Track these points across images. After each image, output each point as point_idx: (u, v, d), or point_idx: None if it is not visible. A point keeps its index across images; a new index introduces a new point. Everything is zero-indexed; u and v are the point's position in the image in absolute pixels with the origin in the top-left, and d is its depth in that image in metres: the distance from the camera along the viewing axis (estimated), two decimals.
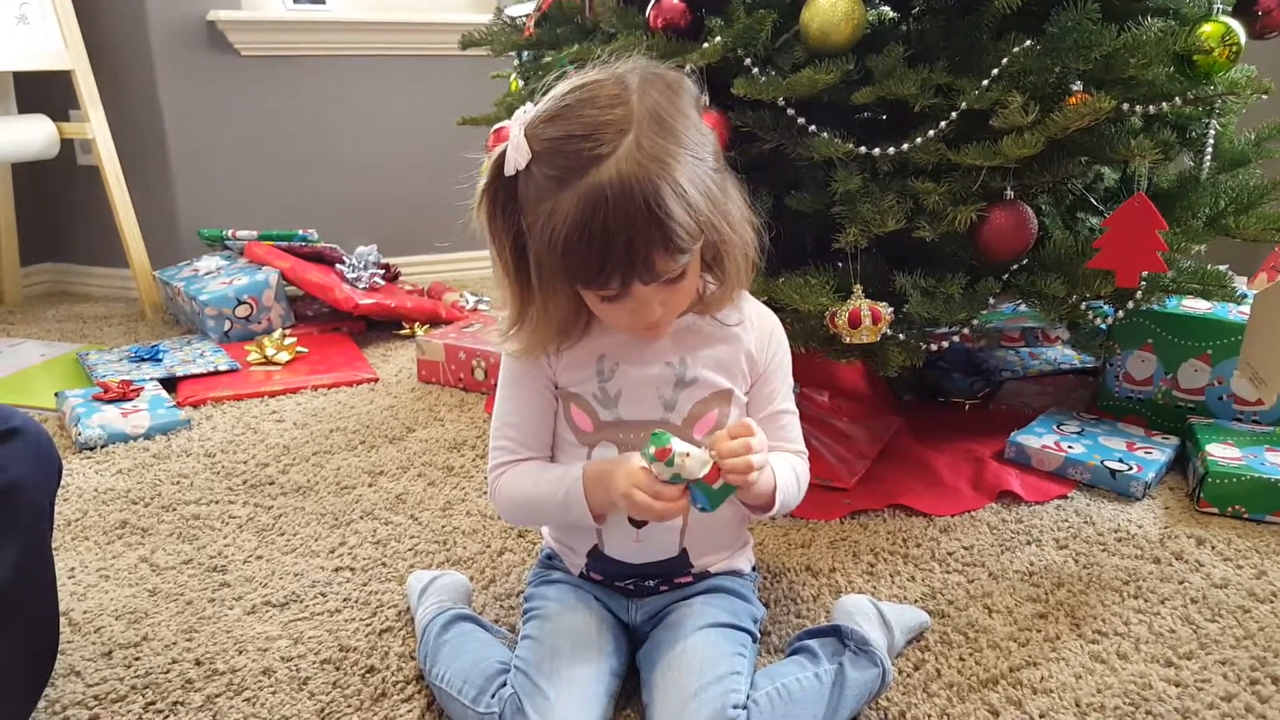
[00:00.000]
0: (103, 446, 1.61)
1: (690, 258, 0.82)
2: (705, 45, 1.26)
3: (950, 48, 1.28)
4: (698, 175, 0.80)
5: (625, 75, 0.82)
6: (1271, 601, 1.12)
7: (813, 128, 1.28)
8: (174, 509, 1.38)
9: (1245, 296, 1.46)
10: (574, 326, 0.91)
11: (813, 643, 0.93)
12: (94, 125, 2.33)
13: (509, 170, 0.81)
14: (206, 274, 2.30)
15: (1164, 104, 1.26)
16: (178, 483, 1.47)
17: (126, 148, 2.43)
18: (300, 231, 2.44)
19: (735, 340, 0.94)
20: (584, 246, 0.77)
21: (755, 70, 1.27)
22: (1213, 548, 1.25)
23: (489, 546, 1.26)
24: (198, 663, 1.02)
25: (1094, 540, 1.27)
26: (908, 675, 0.99)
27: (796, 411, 1.00)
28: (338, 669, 1.01)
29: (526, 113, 0.82)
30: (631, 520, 0.94)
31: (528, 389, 0.95)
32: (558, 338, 0.91)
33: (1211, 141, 1.43)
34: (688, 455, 0.81)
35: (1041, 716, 0.92)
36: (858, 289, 1.29)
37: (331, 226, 2.66)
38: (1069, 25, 1.22)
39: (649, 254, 0.78)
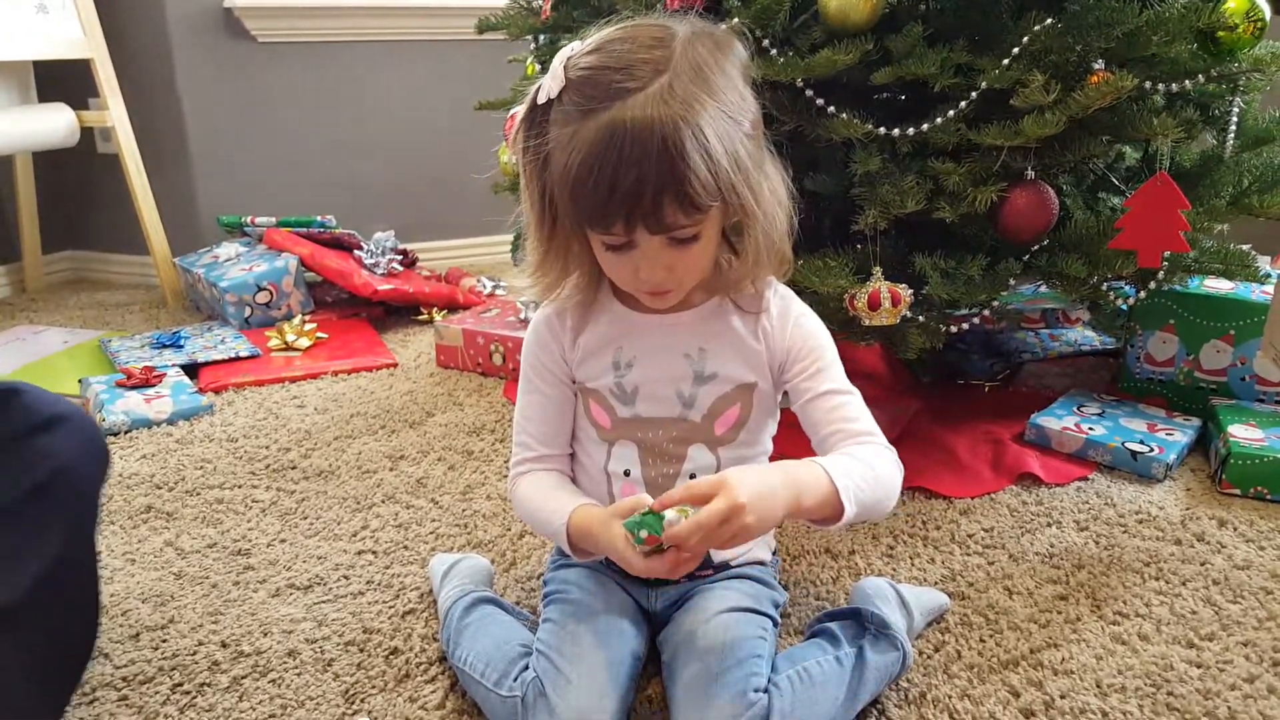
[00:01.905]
0: (126, 432, 1.63)
1: (705, 220, 0.80)
2: (722, 26, 1.25)
3: (970, 27, 1.26)
4: (727, 133, 0.78)
5: (674, 25, 0.81)
6: None
7: (831, 109, 1.28)
8: (198, 493, 1.40)
9: (1269, 276, 1.45)
10: (591, 284, 0.91)
11: (833, 625, 0.94)
12: (113, 113, 2.34)
13: (542, 97, 0.81)
14: (226, 260, 2.32)
15: (1187, 82, 1.25)
16: (201, 467, 1.49)
17: (146, 135, 2.45)
18: (318, 218, 2.45)
19: (756, 330, 0.92)
20: (593, 179, 0.76)
21: (774, 51, 1.26)
22: (1235, 529, 1.24)
23: (509, 530, 1.27)
24: (224, 645, 1.04)
25: (1115, 522, 1.26)
26: (928, 657, 0.99)
27: (855, 392, 0.91)
28: (362, 650, 1.02)
29: (572, 49, 0.82)
30: None
31: (544, 385, 0.96)
32: (577, 295, 0.91)
33: (1235, 119, 1.41)
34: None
35: (1062, 698, 0.92)
36: (877, 271, 1.29)
37: (349, 212, 2.67)
38: (1090, 2, 1.21)
39: (658, 198, 0.76)
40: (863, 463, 0.84)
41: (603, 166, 0.75)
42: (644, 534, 0.77)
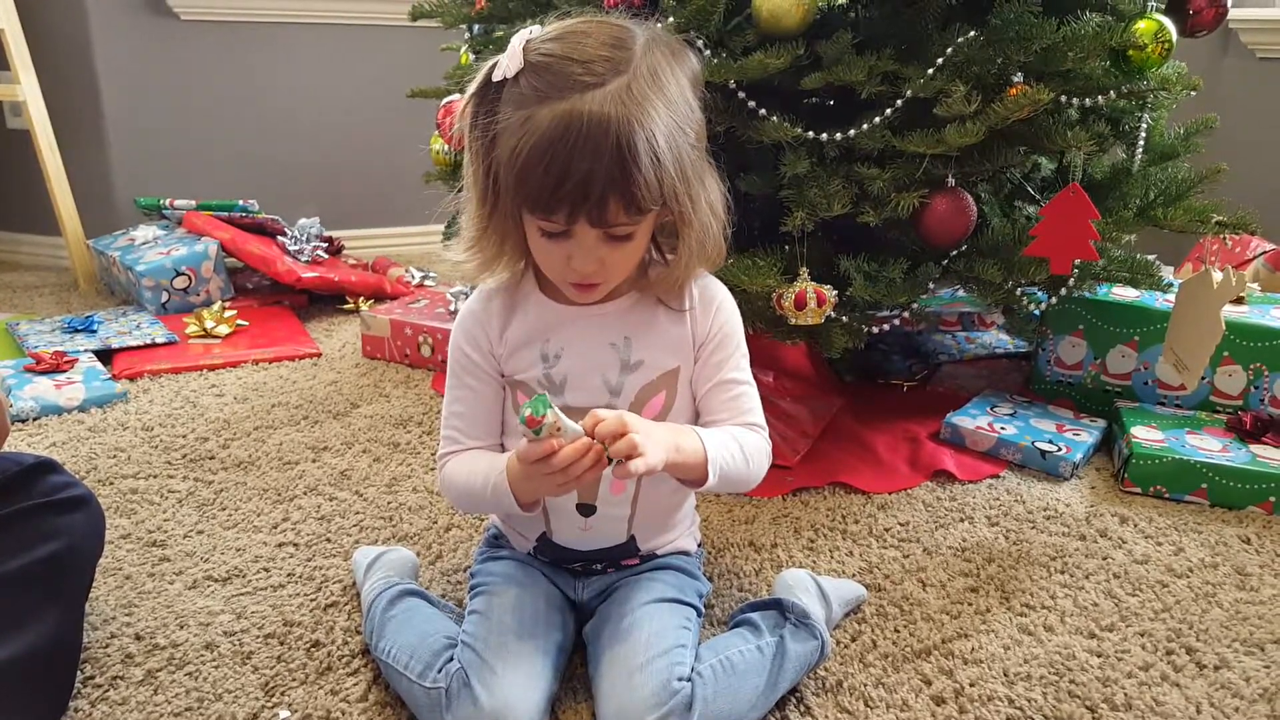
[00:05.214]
0: (35, 419, 1.57)
1: (643, 222, 0.82)
2: (656, 23, 1.26)
3: (897, 36, 1.30)
4: (675, 141, 0.80)
5: (635, 28, 0.83)
6: (1188, 576, 1.18)
7: (763, 111, 1.30)
8: (111, 483, 1.36)
9: (1171, 286, 1.52)
10: (518, 271, 0.92)
11: (755, 615, 0.96)
12: (25, 87, 2.25)
13: (498, 75, 0.81)
14: (143, 244, 2.25)
15: (1099, 97, 1.31)
16: (114, 456, 1.45)
17: (60, 111, 2.35)
18: (240, 202, 2.39)
19: (680, 317, 0.94)
20: (544, 165, 0.76)
21: (707, 52, 1.28)
22: (1135, 525, 1.30)
23: (435, 522, 1.27)
24: (138, 637, 1.01)
25: (1024, 518, 1.31)
26: (845, 646, 1.02)
27: (752, 383, 0.97)
28: (282, 643, 1.01)
29: (531, 32, 0.82)
30: (579, 508, 0.95)
31: (473, 380, 0.95)
32: (506, 278, 0.92)
33: (1143, 135, 1.48)
34: (558, 429, 0.79)
35: (971, 685, 0.96)
36: (803, 271, 1.32)
37: (273, 198, 2.61)
38: (1011, 17, 1.25)
39: (605, 195, 0.77)
40: (737, 442, 0.91)
41: (555, 155, 0.76)
42: (527, 412, 0.78)
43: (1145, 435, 1.44)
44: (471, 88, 0.84)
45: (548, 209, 0.79)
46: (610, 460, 0.80)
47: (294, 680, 0.95)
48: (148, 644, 1.00)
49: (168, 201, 2.38)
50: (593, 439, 0.80)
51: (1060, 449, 1.45)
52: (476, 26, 1.70)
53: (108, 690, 0.93)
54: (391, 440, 1.52)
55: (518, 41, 0.81)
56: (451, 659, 0.87)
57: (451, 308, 1.94)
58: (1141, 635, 1.06)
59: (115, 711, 0.90)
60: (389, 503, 1.32)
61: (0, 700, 0.81)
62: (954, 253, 1.39)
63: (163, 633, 1.02)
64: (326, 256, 2.37)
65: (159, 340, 1.92)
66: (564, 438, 0.79)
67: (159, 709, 0.91)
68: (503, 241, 0.88)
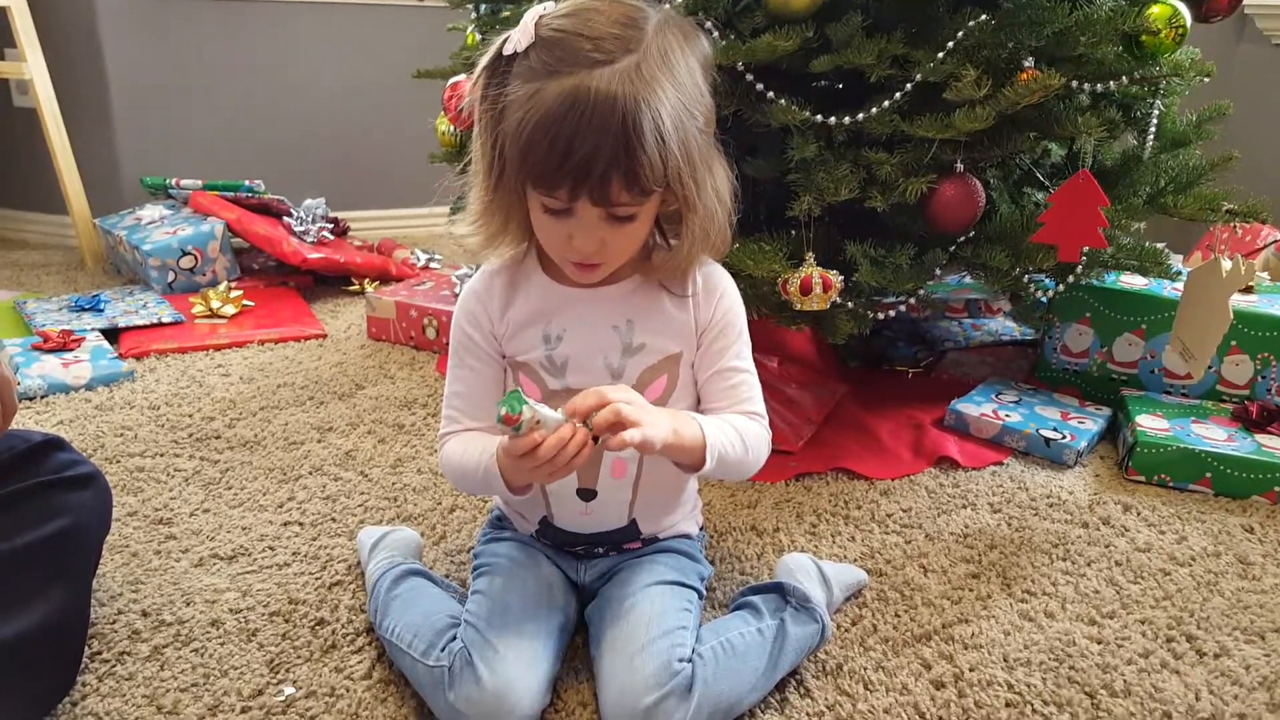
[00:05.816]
0: (42, 397, 1.58)
1: (645, 203, 0.82)
2: (667, 5, 1.25)
3: (907, 19, 1.29)
4: (682, 123, 0.80)
5: (648, 7, 0.82)
6: (1190, 565, 1.18)
7: (771, 94, 1.29)
8: (118, 461, 1.37)
9: (1180, 274, 1.51)
10: (522, 247, 0.92)
11: (756, 599, 0.96)
12: (31, 65, 2.24)
13: (508, 49, 0.81)
14: (150, 223, 2.25)
15: (1111, 83, 1.29)
16: (121, 435, 1.45)
17: (66, 90, 2.35)
18: (246, 182, 2.39)
19: (684, 302, 0.94)
20: (548, 140, 0.76)
21: (716, 34, 1.27)
22: (1138, 514, 1.30)
23: (440, 503, 1.27)
24: (144, 614, 1.02)
25: (1026, 505, 1.31)
26: (845, 630, 1.03)
27: (754, 371, 0.96)
28: (287, 621, 1.02)
29: (545, 7, 0.82)
30: (580, 493, 0.95)
31: (474, 360, 0.95)
32: (510, 251, 0.92)
33: (1155, 121, 1.47)
34: (538, 423, 0.78)
35: (971, 670, 0.97)
36: (809, 256, 1.31)
37: (278, 178, 2.60)
38: (1023, 1, 1.24)
39: (608, 173, 0.77)
40: (736, 431, 0.91)
41: (560, 131, 0.76)
42: (503, 410, 0.77)
43: (1150, 424, 1.44)
44: (483, 61, 0.84)
45: (550, 185, 0.79)
46: (596, 439, 0.79)
47: (298, 658, 0.96)
48: (154, 620, 1.01)
49: (174, 181, 2.38)
50: (581, 423, 0.79)
51: (1065, 437, 1.45)
52: (483, 6, 1.70)
53: (115, 665, 0.94)
54: (396, 421, 1.53)
55: (530, 16, 0.81)
56: (455, 638, 0.88)
57: (456, 290, 1.94)
58: (1142, 623, 1.06)
59: (122, 686, 0.91)
60: (394, 483, 1.32)
61: (9, 675, 0.83)
62: (961, 239, 1.39)
63: (169, 609, 1.03)
64: (332, 238, 2.37)
65: (165, 320, 1.93)
66: (545, 429, 0.78)
67: (165, 684, 0.92)
68: (507, 217, 0.88)
